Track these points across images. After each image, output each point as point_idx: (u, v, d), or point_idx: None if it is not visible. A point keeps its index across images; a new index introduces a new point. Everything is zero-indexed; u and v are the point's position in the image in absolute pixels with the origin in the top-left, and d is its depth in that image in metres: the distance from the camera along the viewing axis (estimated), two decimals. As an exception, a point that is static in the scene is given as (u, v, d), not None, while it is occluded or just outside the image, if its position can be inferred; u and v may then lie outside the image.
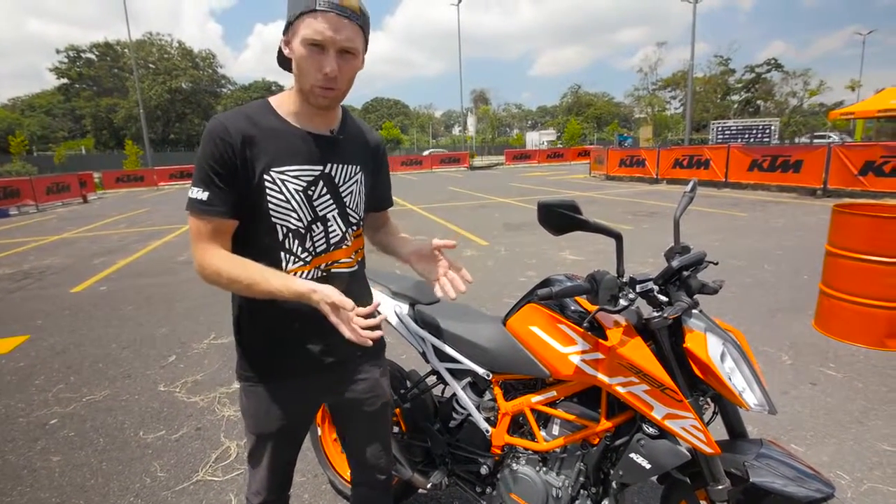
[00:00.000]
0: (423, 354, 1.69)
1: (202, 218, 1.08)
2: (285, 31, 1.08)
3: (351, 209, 1.23)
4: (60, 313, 4.84)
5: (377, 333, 1.03)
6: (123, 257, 7.38)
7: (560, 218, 1.13)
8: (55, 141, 47.94)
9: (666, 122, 48.00)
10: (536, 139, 53.26)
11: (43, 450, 2.57)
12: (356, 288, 1.29)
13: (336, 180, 1.19)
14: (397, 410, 1.83)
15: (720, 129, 23.36)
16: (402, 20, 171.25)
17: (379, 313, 1.15)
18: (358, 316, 1.03)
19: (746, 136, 22.12)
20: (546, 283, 1.41)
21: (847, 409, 2.60)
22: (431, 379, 1.78)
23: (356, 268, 1.30)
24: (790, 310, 4.05)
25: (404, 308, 1.73)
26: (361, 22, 1.06)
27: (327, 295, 1.02)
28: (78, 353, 3.83)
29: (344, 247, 1.23)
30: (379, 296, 1.77)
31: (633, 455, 1.29)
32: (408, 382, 1.82)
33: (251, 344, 1.22)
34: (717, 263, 1.49)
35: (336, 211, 1.20)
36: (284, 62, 1.14)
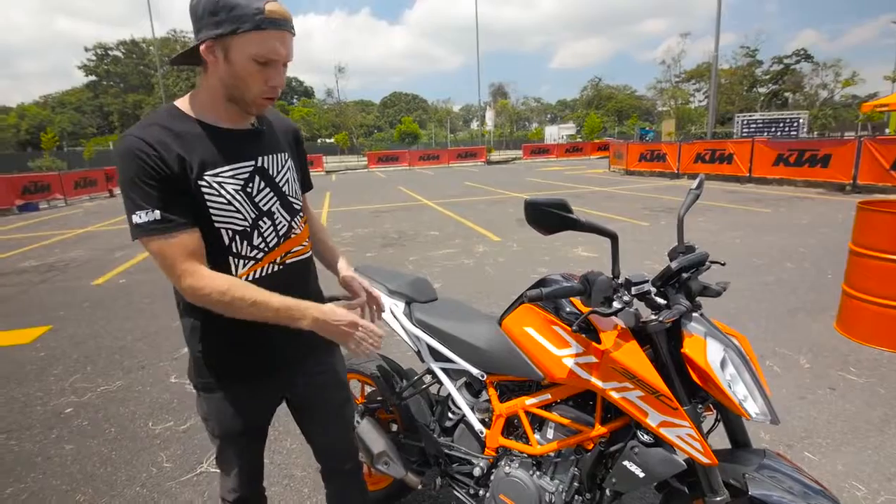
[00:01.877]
0: (418, 353, 1.67)
1: (166, 238, 1.02)
2: (214, 38, 1.00)
3: (291, 197, 1.24)
4: (81, 305, 4.99)
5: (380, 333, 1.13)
6: (144, 251, 7.53)
7: (549, 217, 1.09)
8: (85, 137, 49.39)
9: (689, 115, 46.80)
10: (555, 133, 52.60)
11: (57, 438, 2.64)
12: (311, 276, 1.33)
13: (270, 172, 1.18)
14: (393, 408, 1.82)
15: (745, 122, 22.65)
16: (421, 14, 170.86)
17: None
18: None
19: (773, 129, 21.39)
20: (541, 282, 1.37)
21: (867, 416, 2.49)
22: (429, 378, 1.76)
23: (309, 254, 1.31)
24: (811, 310, 3.90)
25: (400, 306, 1.71)
26: (294, 31, 1.07)
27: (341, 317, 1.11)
28: (95, 343, 3.94)
29: (293, 236, 1.24)
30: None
31: (626, 462, 1.25)
32: (404, 381, 1.81)
33: (209, 350, 1.19)
34: (724, 264, 1.43)
35: (278, 202, 1.20)
36: (184, 60, 1.09)
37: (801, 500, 1.10)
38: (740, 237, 6.62)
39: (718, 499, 1.18)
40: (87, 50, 58.39)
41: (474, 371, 1.52)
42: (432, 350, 1.63)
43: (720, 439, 1.31)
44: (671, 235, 1.39)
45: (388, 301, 1.72)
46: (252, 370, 1.22)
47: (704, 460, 1.15)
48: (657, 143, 17.80)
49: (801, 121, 21.44)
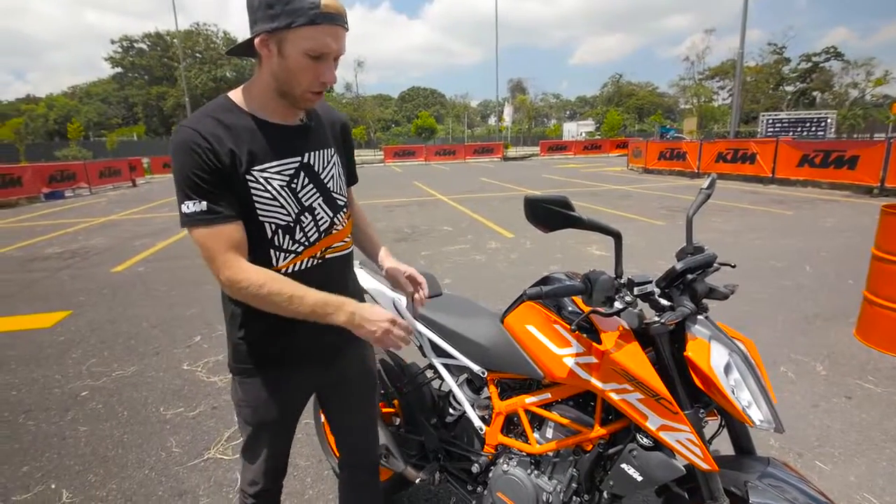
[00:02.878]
0: (420, 348, 1.67)
1: (210, 229, 1.04)
2: (269, 31, 0.99)
3: (336, 193, 1.24)
4: (100, 291, 5.12)
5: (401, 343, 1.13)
6: (163, 240, 7.72)
7: (549, 215, 1.07)
8: (110, 127, 50.55)
9: (712, 113, 45.79)
10: (574, 130, 52.00)
11: (73, 420, 2.72)
12: (348, 271, 1.33)
13: (316, 168, 1.19)
14: (395, 402, 1.83)
15: (770, 121, 22.08)
16: (440, 8, 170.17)
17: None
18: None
19: (799, 129, 20.80)
20: (543, 280, 1.36)
21: (884, 426, 2.41)
22: (430, 373, 1.76)
23: (350, 249, 1.32)
24: (830, 317, 3.79)
25: (403, 301, 1.71)
26: (348, 26, 1.06)
27: (373, 323, 1.09)
28: (112, 329, 4.04)
29: (335, 231, 1.24)
30: (379, 287, 1.76)
31: (624, 465, 1.23)
32: (406, 375, 1.81)
33: (250, 336, 1.21)
34: (734, 266, 1.40)
35: (321, 199, 1.20)
36: (241, 52, 1.10)
37: (804, 510, 1.07)
38: (760, 239, 6.46)
39: (718, 506, 1.15)
40: (113, 42, 59.83)
41: (475, 368, 1.51)
42: (434, 345, 1.62)
43: (727, 445, 1.28)
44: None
45: (391, 295, 1.72)
46: (289, 357, 1.23)
47: (704, 466, 1.12)
48: (677, 142, 17.46)
49: (828, 121, 20.79)
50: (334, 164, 1.24)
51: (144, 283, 5.38)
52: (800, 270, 5.01)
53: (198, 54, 55.58)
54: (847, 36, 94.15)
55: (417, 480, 1.68)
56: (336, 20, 1.00)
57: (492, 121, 75.71)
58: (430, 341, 1.63)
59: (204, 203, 1.02)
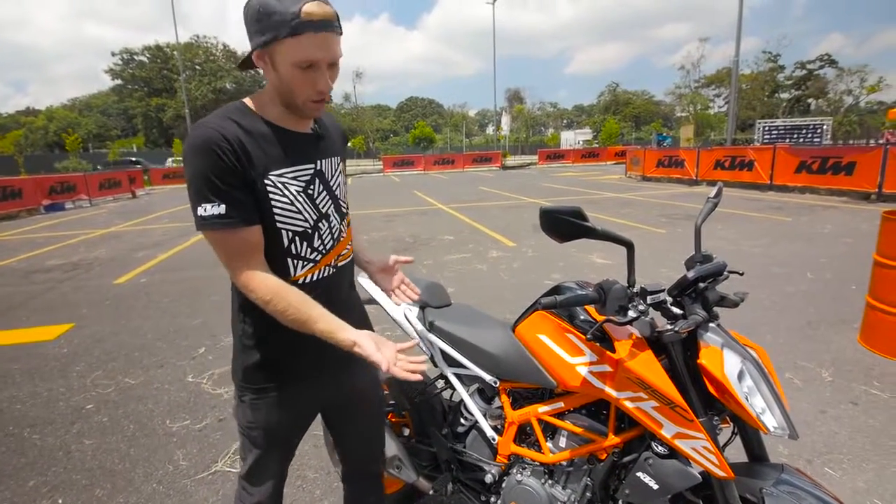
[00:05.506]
0: (432, 358, 1.68)
1: (227, 233, 1.02)
2: (260, 46, 1.00)
3: (341, 200, 1.26)
4: (103, 303, 5.11)
5: (422, 367, 1.04)
6: (165, 251, 7.72)
7: (564, 225, 1.09)
8: (110, 139, 50.80)
9: (709, 121, 46.16)
10: (572, 138, 52.38)
11: (78, 433, 2.71)
12: (352, 278, 1.36)
13: (326, 176, 1.20)
14: (406, 413, 1.83)
15: (767, 128, 22.28)
16: (439, 18, 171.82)
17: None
18: (400, 353, 1.04)
19: (795, 135, 21.00)
20: (555, 290, 1.37)
21: (891, 432, 2.41)
22: (441, 383, 1.77)
23: (352, 256, 1.34)
24: (833, 323, 3.80)
25: (414, 311, 1.72)
26: (340, 29, 1.04)
27: (370, 353, 1.01)
28: (116, 341, 4.03)
29: (342, 239, 1.26)
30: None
31: (639, 474, 1.23)
32: (417, 385, 1.81)
33: (270, 353, 1.18)
34: (742, 274, 1.42)
35: (332, 206, 1.22)
36: (247, 64, 1.09)
37: (820, 516, 1.07)
38: (760, 246, 6.49)
39: (734, 513, 1.16)
40: (113, 55, 60.10)
41: (487, 377, 1.52)
42: (445, 355, 1.63)
43: (737, 453, 1.29)
44: (687, 243, 1.38)
45: (401, 305, 1.73)
46: (312, 369, 1.23)
47: (720, 473, 1.13)
48: (675, 149, 17.58)
49: (824, 127, 20.99)
50: (340, 171, 1.26)
51: (147, 294, 5.38)
52: (801, 277, 5.03)
53: (197, 66, 55.92)
54: (842, 43, 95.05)
55: (430, 492, 1.68)
56: (320, 27, 0.97)
57: (490, 130, 76.22)
58: (442, 351, 1.63)
59: (223, 206, 1.00)
